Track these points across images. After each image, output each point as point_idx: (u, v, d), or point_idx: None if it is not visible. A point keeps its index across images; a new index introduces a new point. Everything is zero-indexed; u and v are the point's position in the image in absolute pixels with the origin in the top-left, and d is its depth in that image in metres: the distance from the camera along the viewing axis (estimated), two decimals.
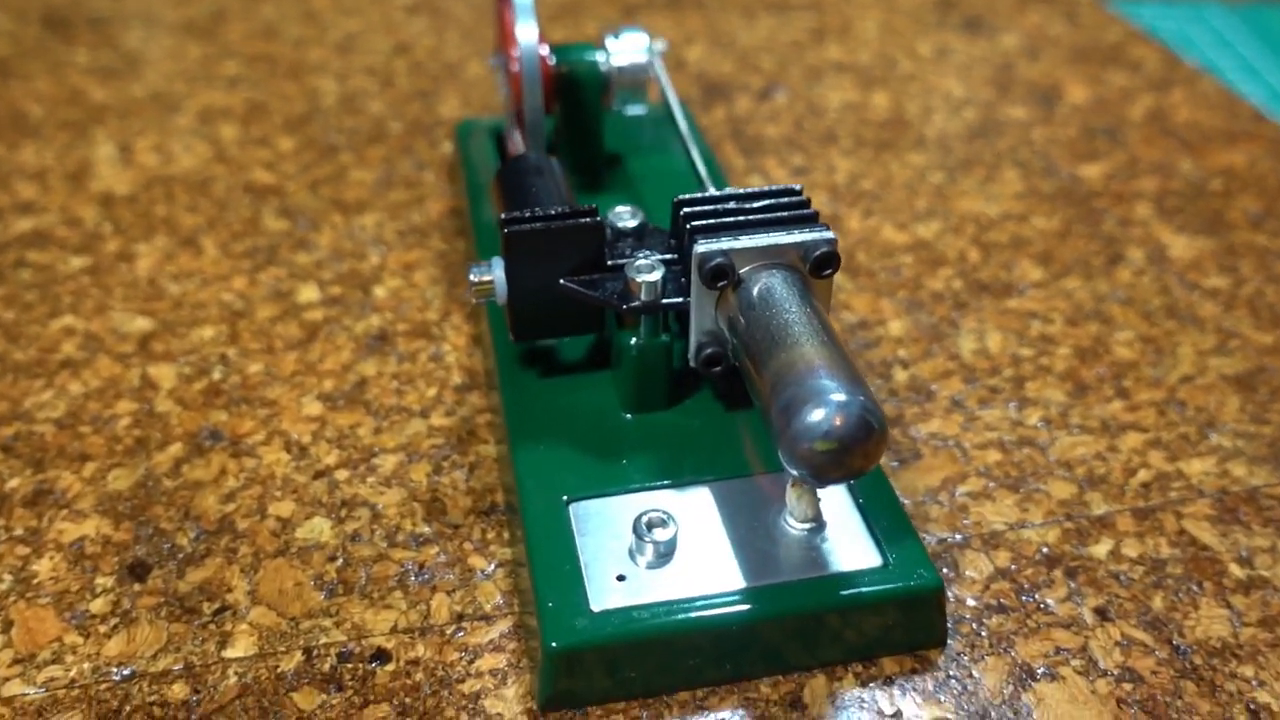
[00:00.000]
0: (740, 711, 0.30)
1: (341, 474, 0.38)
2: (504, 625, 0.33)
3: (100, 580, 0.34)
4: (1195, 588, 0.34)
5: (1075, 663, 0.32)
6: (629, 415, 0.36)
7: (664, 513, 0.32)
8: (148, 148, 0.56)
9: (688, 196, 0.35)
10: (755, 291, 0.32)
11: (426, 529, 0.36)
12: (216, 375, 0.42)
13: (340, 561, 0.35)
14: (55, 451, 0.39)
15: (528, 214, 0.34)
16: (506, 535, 0.36)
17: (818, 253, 0.33)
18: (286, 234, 0.50)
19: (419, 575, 0.34)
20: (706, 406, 0.37)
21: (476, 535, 0.36)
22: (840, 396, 0.28)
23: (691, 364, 0.35)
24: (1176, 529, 0.36)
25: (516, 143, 0.48)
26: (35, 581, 0.34)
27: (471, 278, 0.35)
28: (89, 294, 0.46)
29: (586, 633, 0.30)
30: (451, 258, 0.48)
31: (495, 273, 0.35)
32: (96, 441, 0.39)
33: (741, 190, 0.35)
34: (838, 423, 0.28)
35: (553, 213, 0.34)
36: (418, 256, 0.48)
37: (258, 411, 0.40)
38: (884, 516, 0.33)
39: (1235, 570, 0.34)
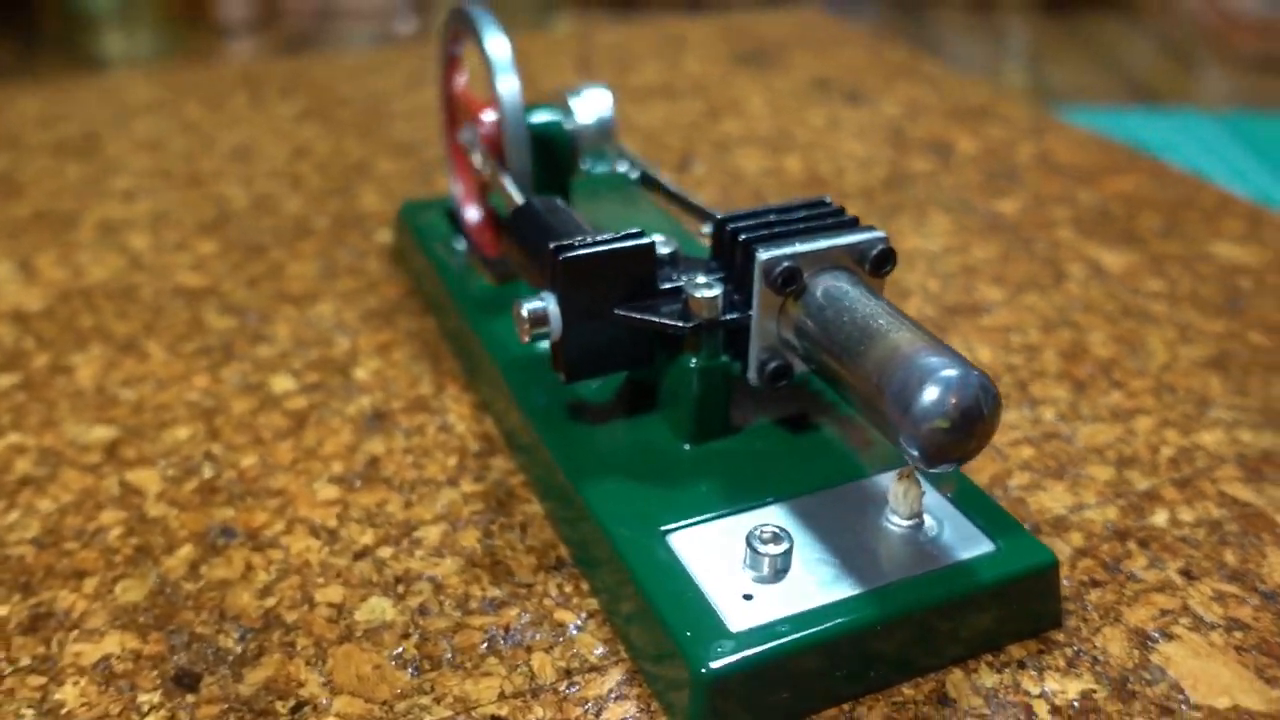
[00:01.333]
0: (894, 717, 0.29)
1: (385, 551, 0.35)
2: (618, 674, 0.30)
3: (144, 698, 0.30)
4: (1256, 539, 0.35)
5: (1184, 621, 0.32)
6: (688, 446, 0.35)
7: (776, 527, 0.31)
8: (50, 263, 0.51)
9: (729, 214, 0.35)
10: (821, 293, 0.32)
11: (498, 592, 0.33)
12: (207, 473, 0.38)
13: (416, 637, 0.31)
14: (43, 572, 0.34)
15: (578, 240, 0.33)
16: (585, 586, 0.33)
17: (876, 251, 0.33)
18: (237, 330, 0.46)
19: (507, 638, 0.31)
20: (764, 432, 0.36)
21: (554, 591, 0.33)
22: (953, 372, 0.28)
23: (754, 382, 0.34)
24: (1216, 492, 0.37)
25: (472, 215, 0.47)
26: (64, 711, 0.29)
27: (523, 312, 0.33)
28: (29, 410, 0.41)
29: (736, 653, 0.28)
30: (425, 336, 0.46)
31: (549, 306, 0.33)
32: (88, 556, 0.34)
33: (776, 205, 0.35)
34: (956, 399, 0.28)
35: (604, 237, 0.33)
36: (389, 337, 0.46)
37: (266, 503, 0.37)
38: (976, 506, 0.33)
39: None
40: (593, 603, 0.33)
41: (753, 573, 0.31)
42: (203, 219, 0.55)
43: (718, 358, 0.35)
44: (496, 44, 0.42)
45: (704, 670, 0.28)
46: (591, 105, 0.46)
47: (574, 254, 0.33)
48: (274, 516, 0.36)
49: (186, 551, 0.35)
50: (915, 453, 0.28)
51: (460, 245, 0.48)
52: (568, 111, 0.45)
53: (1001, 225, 0.55)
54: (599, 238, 0.33)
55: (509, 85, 0.41)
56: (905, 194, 0.59)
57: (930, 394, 0.28)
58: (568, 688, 0.30)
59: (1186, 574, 0.34)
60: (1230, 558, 0.35)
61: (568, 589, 0.33)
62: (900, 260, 0.51)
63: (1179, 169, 0.62)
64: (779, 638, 0.28)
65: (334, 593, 0.33)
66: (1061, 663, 0.31)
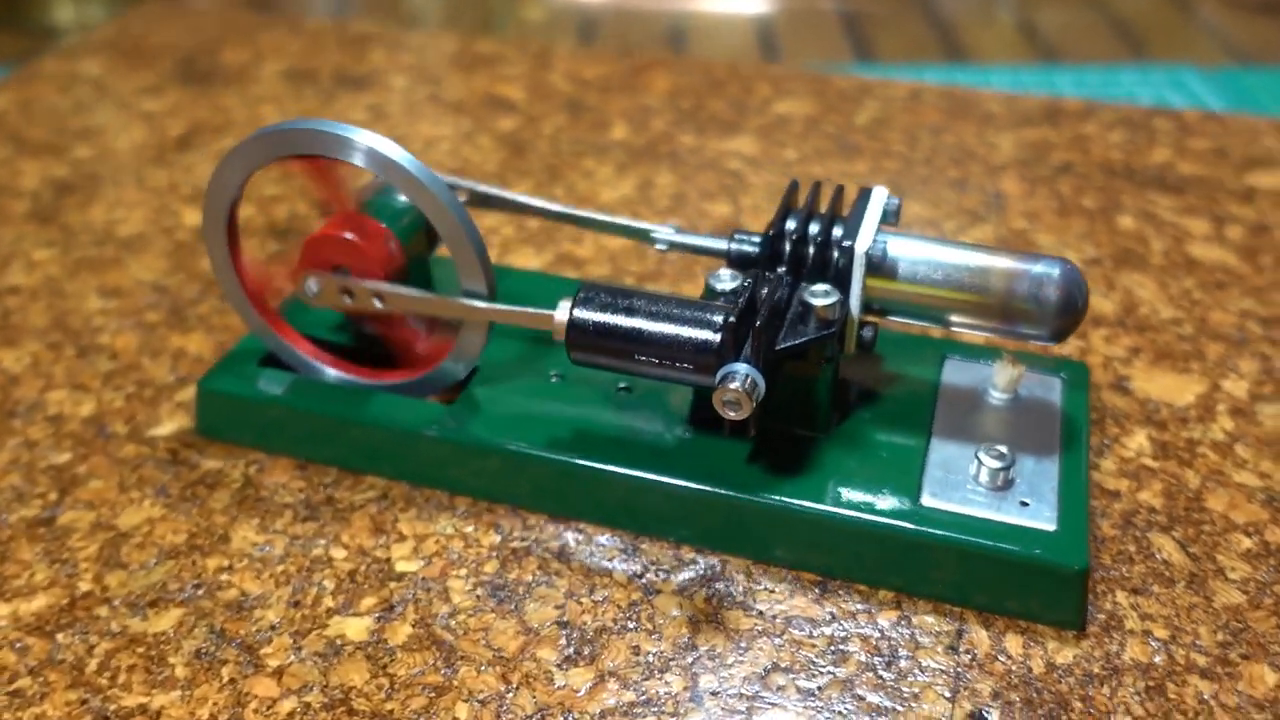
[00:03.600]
0: (1112, 521, 0.39)
1: (687, 681, 0.33)
2: (975, 625, 0.35)
3: None
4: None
5: (1116, 364, 0.46)
6: (822, 435, 0.39)
7: (988, 446, 0.37)
8: None
9: (776, 230, 0.38)
10: (893, 254, 0.38)
11: (823, 636, 0.35)
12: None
13: (836, 710, 0.32)
14: None
15: (739, 307, 0.34)
16: (863, 589, 0.36)
17: (894, 207, 0.39)
18: (195, 616, 0.35)
19: (883, 662, 0.34)
20: (868, 404, 0.41)
21: (848, 608, 0.36)
22: (1060, 270, 0.37)
23: (852, 351, 0.39)
24: None
25: (296, 353, 0.42)
26: None
27: (741, 388, 0.33)
28: None
29: (1077, 544, 0.35)
30: (396, 495, 0.40)
31: (753, 374, 0.34)
32: None
33: (784, 203, 0.39)
34: (1073, 289, 0.37)
35: (742, 291, 0.35)
36: (365, 520, 0.39)
37: (543, 701, 0.32)
38: (1034, 361, 0.42)
39: None
40: (885, 595, 0.36)
41: (995, 487, 0.37)
42: None
43: (835, 353, 0.38)
44: (389, 146, 0.37)
45: (1078, 568, 0.34)
46: None
47: (760, 319, 0.34)
48: (555, 708, 0.32)
49: None
50: (1048, 335, 0.37)
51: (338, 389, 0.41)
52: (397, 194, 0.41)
53: (657, 152, 0.62)
54: (744, 294, 0.35)
55: (443, 189, 0.37)
56: (558, 146, 0.61)
57: (1057, 292, 0.36)
58: (970, 660, 0.34)
59: (1080, 336, 0.48)
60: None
61: (856, 599, 0.36)
62: (665, 209, 0.56)
63: (677, 54, 0.73)
64: (1078, 517, 0.36)
65: None
66: (1117, 431, 0.43)
